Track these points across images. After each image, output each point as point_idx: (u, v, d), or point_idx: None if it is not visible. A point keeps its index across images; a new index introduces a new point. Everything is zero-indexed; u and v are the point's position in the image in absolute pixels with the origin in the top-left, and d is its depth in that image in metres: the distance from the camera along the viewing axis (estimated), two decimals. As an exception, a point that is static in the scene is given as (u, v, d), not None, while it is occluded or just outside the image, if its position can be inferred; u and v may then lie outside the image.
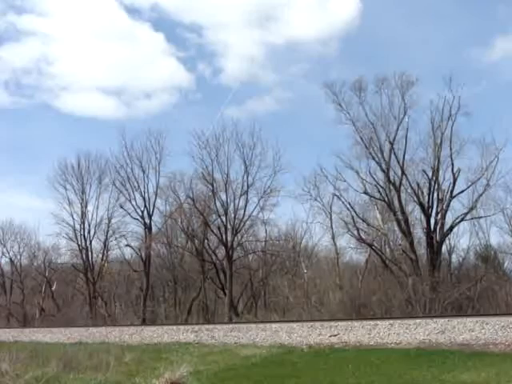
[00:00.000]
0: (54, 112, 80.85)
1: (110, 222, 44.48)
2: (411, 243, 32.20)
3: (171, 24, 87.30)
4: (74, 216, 44.61)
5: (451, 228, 32.87)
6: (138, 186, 42.49)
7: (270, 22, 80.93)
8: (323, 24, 77.24)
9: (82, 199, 44.80)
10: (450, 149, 32.47)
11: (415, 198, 33.05)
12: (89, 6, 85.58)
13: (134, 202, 42.59)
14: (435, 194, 32.52)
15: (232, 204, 38.57)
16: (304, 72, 76.47)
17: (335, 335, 17.42)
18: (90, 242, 44.77)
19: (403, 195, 33.64)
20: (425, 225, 32.50)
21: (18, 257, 50.89)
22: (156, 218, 43.23)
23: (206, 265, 40.82)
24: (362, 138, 34.19)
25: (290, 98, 75.19)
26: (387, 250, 35.56)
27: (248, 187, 38.40)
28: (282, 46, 77.70)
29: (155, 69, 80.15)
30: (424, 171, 32.88)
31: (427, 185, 32.69)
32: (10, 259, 50.69)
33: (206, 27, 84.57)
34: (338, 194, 35.88)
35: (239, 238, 39.12)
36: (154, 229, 42.84)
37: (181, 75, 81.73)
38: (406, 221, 32.87)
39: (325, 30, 77.60)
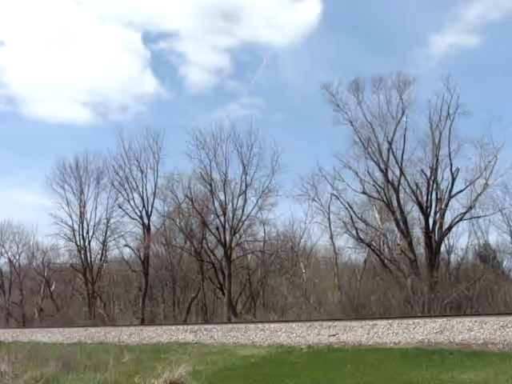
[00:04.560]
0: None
1: (108, 222, 44.39)
2: (410, 243, 32.22)
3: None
4: (73, 216, 44.45)
5: (450, 228, 32.88)
6: (137, 186, 42.45)
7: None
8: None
9: (81, 199, 44.64)
10: (449, 148, 32.53)
11: (414, 198, 33.07)
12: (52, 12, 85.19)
13: (132, 202, 42.53)
14: (434, 194, 32.57)
15: (230, 204, 38.60)
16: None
17: (334, 335, 17.43)
18: (89, 242, 44.65)
19: (402, 195, 33.70)
20: (423, 224, 32.52)
21: (17, 257, 50.72)
22: (154, 218, 43.17)
23: (204, 265, 40.80)
24: (360, 138, 34.23)
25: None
26: (386, 249, 35.59)
27: (246, 187, 38.42)
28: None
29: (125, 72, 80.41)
30: (422, 171, 32.96)
31: (426, 184, 32.72)
32: (9, 259, 50.53)
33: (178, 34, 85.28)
34: (336, 194, 35.93)
35: (238, 237, 39.12)
36: (152, 229, 42.77)
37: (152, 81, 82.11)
38: (405, 220, 32.90)
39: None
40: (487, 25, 68.36)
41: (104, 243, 44.69)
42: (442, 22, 69.91)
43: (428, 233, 31.88)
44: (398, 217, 32.86)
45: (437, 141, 32.68)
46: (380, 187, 34.00)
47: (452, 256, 37.83)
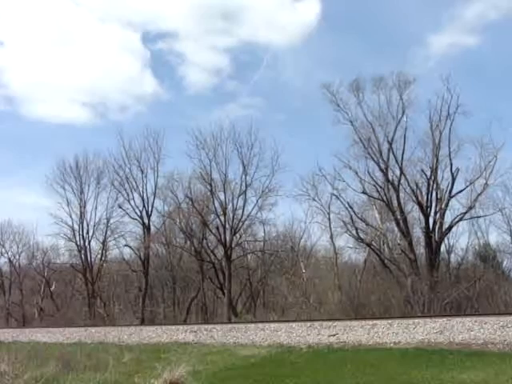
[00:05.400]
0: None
1: (108, 222, 44.44)
2: (410, 243, 32.21)
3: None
4: (73, 216, 44.52)
5: (450, 228, 32.89)
6: (137, 186, 42.50)
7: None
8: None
9: (81, 199, 44.69)
10: (449, 148, 32.55)
11: (414, 198, 33.08)
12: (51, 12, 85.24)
13: (132, 202, 42.59)
14: (434, 194, 32.58)
15: (230, 204, 38.60)
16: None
17: (334, 335, 17.42)
18: (89, 242, 44.69)
19: (402, 195, 33.71)
20: (423, 224, 32.52)
21: (17, 257, 50.81)
22: (154, 218, 43.26)
23: (204, 265, 40.79)
24: (360, 138, 34.22)
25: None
26: (386, 249, 35.55)
27: (246, 187, 38.42)
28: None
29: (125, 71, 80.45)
30: (422, 171, 32.97)
31: (426, 184, 32.75)
32: (9, 259, 50.59)
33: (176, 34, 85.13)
34: (336, 194, 35.96)
35: (238, 237, 39.12)
36: (152, 229, 42.81)
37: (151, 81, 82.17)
38: (405, 220, 32.89)
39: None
40: (486, 25, 68.50)
41: (104, 243, 44.75)
42: (440, 22, 70.11)
43: (428, 233, 31.87)
44: (398, 217, 32.85)
45: (437, 141, 32.71)
46: (380, 187, 34.01)
47: (452, 256, 37.94)
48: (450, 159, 32.48)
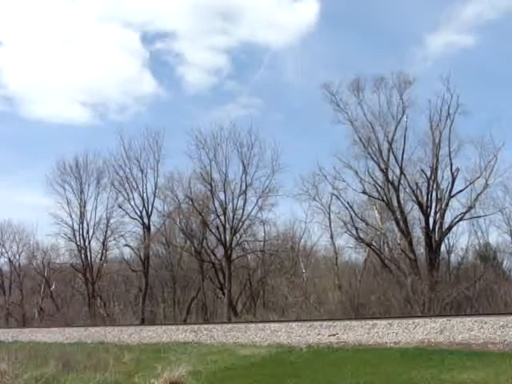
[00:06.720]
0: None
1: (108, 221, 44.46)
2: (410, 243, 32.21)
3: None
4: (73, 216, 44.56)
5: (450, 227, 32.89)
6: (137, 186, 42.54)
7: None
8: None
9: (81, 199, 44.72)
10: (449, 148, 32.57)
11: (414, 198, 33.09)
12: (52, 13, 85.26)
13: (132, 202, 42.65)
14: (434, 194, 32.58)
15: (230, 204, 38.64)
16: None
17: (334, 335, 17.42)
18: (89, 241, 44.72)
19: (402, 195, 33.73)
20: (424, 224, 32.53)
21: (17, 257, 50.88)
22: (154, 217, 43.26)
23: (204, 265, 40.80)
24: (360, 138, 34.23)
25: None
26: (386, 249, 35.57)
27: (246, 187, 38.45)
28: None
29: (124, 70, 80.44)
30: (422, 171, 32.96)
31: (426, 184, 32.75)
32: (9, 259, 50.64)
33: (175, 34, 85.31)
34: (336, 194, 35.94)
35: (238, 237, 39.13)
36: (152, 229, 42.83)
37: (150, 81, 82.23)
38: (405, 220, 32.89)
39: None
40: (485, 24, 68.47)
41: (104, 243, 44.78)
42: (439, 22, 70.10)
43: (428, 232, 31.87)
44: (398, 216, 32.85)
45: (437, 141, 32.72)
46: (380, 187, 34.02)
47: (452, 256, 37.95)
48: (450, 159, 32.56)
